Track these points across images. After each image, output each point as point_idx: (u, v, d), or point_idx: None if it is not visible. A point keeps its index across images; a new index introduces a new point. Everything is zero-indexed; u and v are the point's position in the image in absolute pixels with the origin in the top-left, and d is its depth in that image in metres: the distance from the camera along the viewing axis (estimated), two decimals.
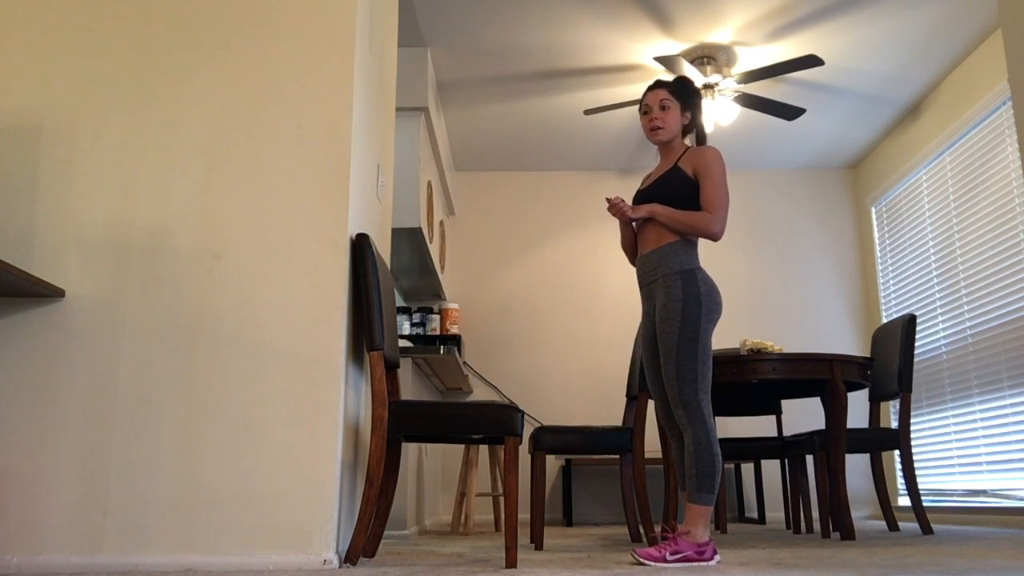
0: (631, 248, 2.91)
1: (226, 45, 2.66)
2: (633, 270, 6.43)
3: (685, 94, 2.85)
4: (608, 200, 2.74)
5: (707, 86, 4.84)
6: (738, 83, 4.81)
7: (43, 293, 2.40)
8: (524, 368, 6.17)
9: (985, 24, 4.66)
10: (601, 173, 6.59)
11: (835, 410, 3.52)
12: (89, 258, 2.50)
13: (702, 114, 2.92)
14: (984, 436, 4.81)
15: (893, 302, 5.99)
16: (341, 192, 2.57)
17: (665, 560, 2.41)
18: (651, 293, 2.73)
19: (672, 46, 4.82)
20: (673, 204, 2.72)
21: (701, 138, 2.93)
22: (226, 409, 2.40)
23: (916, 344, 5.54)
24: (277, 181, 2.57)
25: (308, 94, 2.63)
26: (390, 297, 2.83)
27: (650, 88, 2.86)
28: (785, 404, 6.05)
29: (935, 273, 5.39)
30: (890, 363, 4.04)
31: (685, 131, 2.87)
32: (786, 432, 6.05)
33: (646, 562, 2.39)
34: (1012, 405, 4.54)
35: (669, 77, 4.84)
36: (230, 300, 2.48)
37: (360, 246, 2.61)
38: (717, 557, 2.47)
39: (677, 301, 2.60)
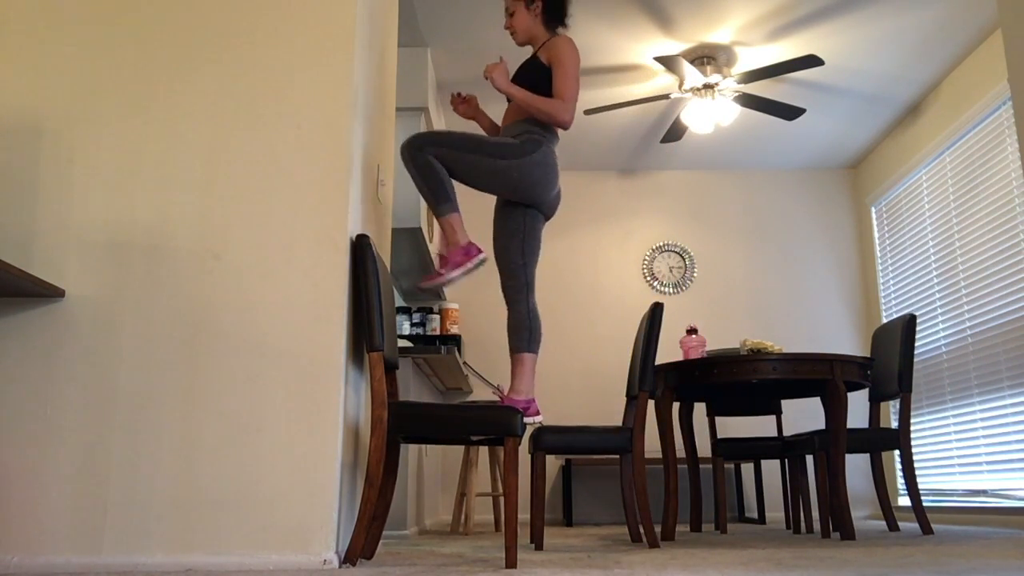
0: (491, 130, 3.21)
1: (226, 45, 2.66)
2: (634, 269, 6.43)
3: None
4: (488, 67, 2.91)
5: (707, 86, 4.84)
6: (738, 83, 4.81)
7: (43, 293, 2.40)
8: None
9: (985, 24, 4.66)
10: (601, 173, 6.59)
11: (835, 410, 3.52)
12: (89, 258, 2.50)
13: None
14: (984, 436, 4.81)
15: (893, 302, 5.99)
16: (341, 192, 2.57)
17: (443, 276, 2.79)
18: None
19: (672, 46, 4.82)
20: (529, 90, 2.92)
21: (552, 15, 3.01)
22: (226, 409, 2.40)
23: (916, 344, 5.54)
24: (277, 181, 2.57)
25: (308, 94, 2.63)
26: (390, 297, 2.83)
27: None
28: (785, 404, 6.05)
29: (935, 273, 5.39)
30: (890, 363, 4.04)
31: (550, 19, 3.00)
32: (786, 432, 6.05)
33: (433, 282, 2.81)
34: (1012, 405, 4.54)
35: None
36: (230, 300, 2.48)
37: (360, 246, 2.61)
38: (483, 255, 2.80)
39: (516, 138, 2.87)
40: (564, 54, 2.85)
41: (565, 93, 2.82)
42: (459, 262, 2.69)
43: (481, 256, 2.69)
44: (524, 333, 2.90)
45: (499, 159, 2.82)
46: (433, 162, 2.77)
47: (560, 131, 5.82)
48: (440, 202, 2.77)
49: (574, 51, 2.86)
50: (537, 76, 2.91)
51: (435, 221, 5.32)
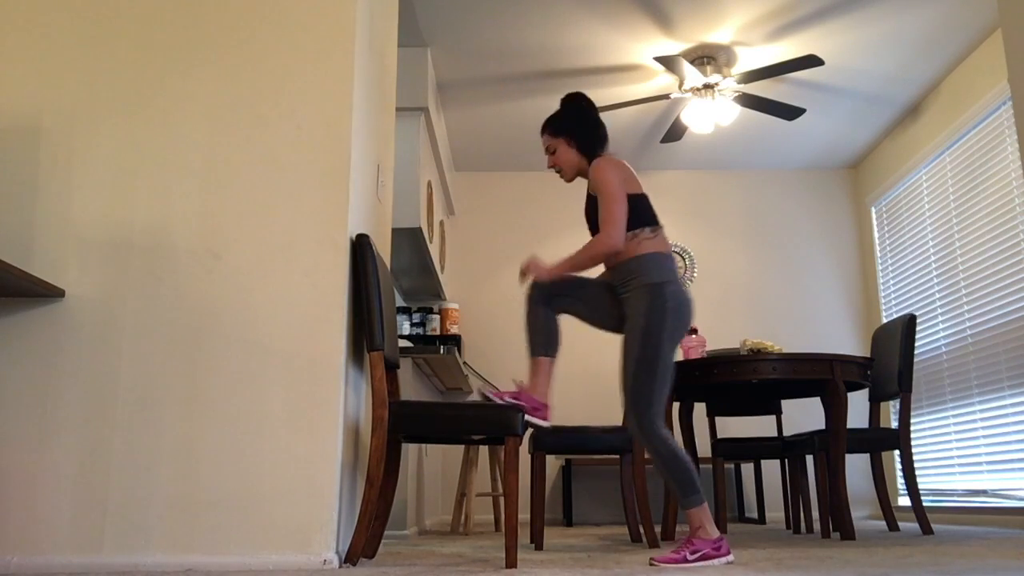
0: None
1: (226, 45, 2.66)
2: None
3: (559, 126, 2.84)
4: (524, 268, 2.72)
5: (707, 86, 4.84)
6: (738, 83, 4.81)
7: (43, 293, 2.40)
8: (524, 368, 6.17)
9: (985, 24, 4.66)
10: None
11: (835, 410, 3.52)
12: (89, 258, 2.49)
13: (586, 124, 2.83)
14: (984, 436, 4.81)
15: (893, 302, 5.99)
16: (341, 192, 2.57)
17: (686, 560, 2.40)
18: (623, 298, 2.71)
19: (672, 46, 4.82)
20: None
21: (585, 144, 2.83)
22: (226, 409, 2.40)
23: (916, 344, 5.54)
24: (277, 181, 2.57)
25: (308, 94, 2.63)
26: (390, 297, 2.83)
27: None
28: (785, 404, 6.05)
29: (935, 273, 5.39)
30: (890, 363, 4.04)
31: (587, 152, 2.82)
32: (786, 432, 6.05)
33: (667, 566, 2.37)
34: (1012, 405, 4.54)
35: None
36: (230, 300, 2.48)
37: (360, 246, 2.61)
38: (731, 556, 2.47)
39: (641, 315, 2.59)
40: (600, 179, 2.69)
41: (605, 219, 2.64)
42: (707, 554, 2.42)
43: (729, 558, 2.44)
44: (539, 336, 2.72)
45: (661, 340, 2.57)
46: (670, 443, 2.52)
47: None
48: (687, 494, 2.50)
49: (608, 169, 2.69)
50: (595, 210, 2.75)
51: (443, 225, 5.34)
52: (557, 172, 2.89)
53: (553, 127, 2.87)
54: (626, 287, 2.69)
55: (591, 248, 2.65)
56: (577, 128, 2.83)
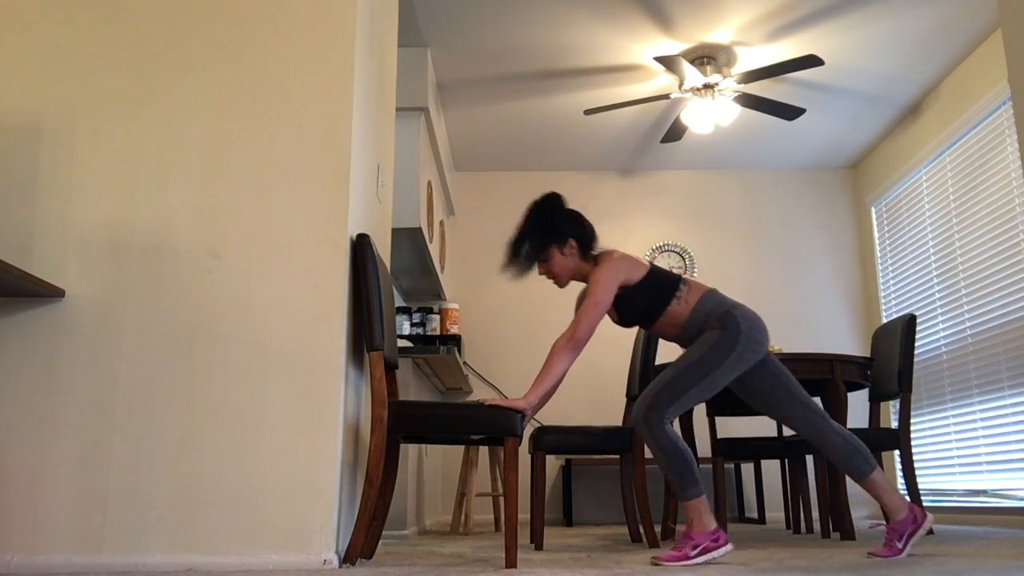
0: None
1: (226, 45, 2.66)
2: None
3: (540, 237, 2.71)
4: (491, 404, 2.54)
5: (707, 86, 4.84)
6: (738, 83, 4.81)
7: (43, 293, 2.40)
8: (524, 368, 6.17)
9: (985, 24, 4.66)
10: (601, 173, 6.59)
11: (835, 410, 3.52)
12: (89, 258, 2.49)
13: (567, 224, 2.71)
14: (984, 436, 4.81)
15: (893, 302, 5.99)
16: (341, 192, 2.57)
17: (688, 557, 2.42)
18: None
19: (672, 46, 4.82)
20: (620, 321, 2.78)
21: (588, 244, 2.75)
22: (226, 409, 2.40)
23: (916, 344, 5.54)
24: (277, 181, 2.57)
25: (308, 94, 2.63)
26: (390, 297, 2.83)
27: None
28: None
29: (935, 273, 5.39)
30: (890, 363, 4.04)
31: (583, 249, 2.74)
32: (786, 432, 6.04)
33: (671, 564, 2.38)
34: (1012, 405, 4.54)
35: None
36: (230, 300, 2.48)
37: (360, 246, 2.61)
38: (730, 545, 2.49)
39: (715, 333, 2.62)
40: (595, 275, 2.65)
41: (579, 316, 2.61)
42: (707, 547, 2.44)
43: (729, 547, 2.46)
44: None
45: (725, 358, 2.57)
46: (672, 436, 2.53)
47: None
48: (686, 486, 2.52)
49: (609, 268, 2.64)
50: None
51: (443, 225, 5.33)
52: (552, 279, 2.78)
53: (533, 243, 2.71)
54: (701, 333, 2.69)
55: (551, 362, 2.58)
56: (557, 234, 2.71)
